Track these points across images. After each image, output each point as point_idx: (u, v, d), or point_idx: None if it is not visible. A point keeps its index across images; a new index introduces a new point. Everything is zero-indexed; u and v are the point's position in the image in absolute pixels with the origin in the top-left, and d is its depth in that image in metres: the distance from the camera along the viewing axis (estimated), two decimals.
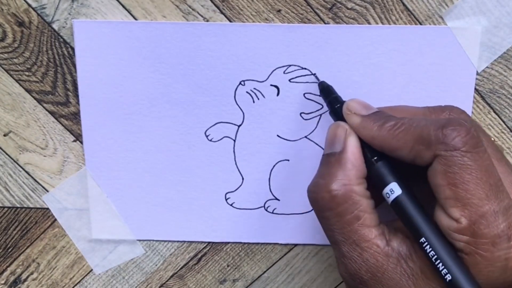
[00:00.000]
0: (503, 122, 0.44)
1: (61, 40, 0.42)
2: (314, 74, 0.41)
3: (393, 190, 0.32)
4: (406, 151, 0.31)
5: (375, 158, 0.33)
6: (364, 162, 0.33)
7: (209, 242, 0.47)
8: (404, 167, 0.32)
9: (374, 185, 0.33)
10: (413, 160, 0.31)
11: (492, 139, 0.33)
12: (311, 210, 0.45)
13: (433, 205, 0.31)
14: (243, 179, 0.45)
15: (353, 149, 0.33)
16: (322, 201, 0.32)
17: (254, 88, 0.42)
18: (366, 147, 0.33)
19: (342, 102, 0.36)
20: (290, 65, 0.42)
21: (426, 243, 0.30)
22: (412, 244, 0.32)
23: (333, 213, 0.32)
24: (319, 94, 0.42)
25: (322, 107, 0.43)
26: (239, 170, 0.45)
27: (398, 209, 0.32)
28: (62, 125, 0.44)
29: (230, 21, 0.41)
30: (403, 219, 0.32)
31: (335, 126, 0.34)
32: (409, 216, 0.31)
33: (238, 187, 0.45)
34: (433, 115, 0.34)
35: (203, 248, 0.47)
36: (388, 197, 0.32)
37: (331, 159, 0.33)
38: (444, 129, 0.30)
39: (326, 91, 0.39)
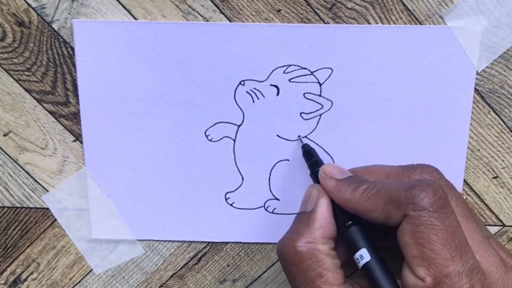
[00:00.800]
0: (503, 122, 0.44)
1: (61, 40, 0.42)
2: (299, 137, 0.43)
3: (363, 256, 0.33)
4: (377, 213, 0.33)
5: (349, 223, 0.35)
6: (336, 225, 0.35)
7: (209, 242, 0.47)
8: (377, 227, 0.34)
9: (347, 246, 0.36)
10: (384, 221, 0.33)
11: (464, 196, 0.35)
12: None
13: (401, 264, 0.33)
14: (243, 179, 0.45)
15: (322, 210, 0.35)
16: (288, 256, 0.34)
17: (254, 88, 0.42)
18: (340, 211, 0.35)
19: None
20: (290, 65, 0.42)
21: None
22: None
23: (297, 268, 0.34)
24: (319, 95, 0.43)
25: (322, 107, 0.43)
26: (239, 170, 0.45)
27: (367, 274, 0.33)
28: (62, 125, 0.44)
29: (230, 21, 0.41)
30: (372, 284, 0.33)
31: (311, 187, 0.37)
32: (376, 281, 0.33)
33: (238, 187, 0.45)
34: (405, 175, 0.35)
35: (203, 248, 0.47)
36: (358, 262, 0.34)
37: (301, 218, 0.36)
38: (413, 190, 0.31)
39: (308, 154, 0.41)
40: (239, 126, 0.43)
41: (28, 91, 0.44)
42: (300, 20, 0.41)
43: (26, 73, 0.43)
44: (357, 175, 0.36)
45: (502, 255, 0.34)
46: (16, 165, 0.45)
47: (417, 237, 0.30)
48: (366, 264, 0.33)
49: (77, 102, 0.43)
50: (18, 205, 0.47)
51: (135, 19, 0.42)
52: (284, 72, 0.42)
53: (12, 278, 0.48)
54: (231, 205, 0.46)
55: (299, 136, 0.43)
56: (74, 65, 0.43)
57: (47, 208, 0.46)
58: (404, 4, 0.41)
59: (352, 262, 0.35)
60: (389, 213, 0.32)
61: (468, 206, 0.36)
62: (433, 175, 0.35)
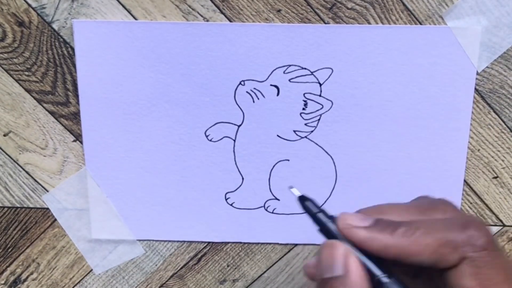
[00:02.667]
0: (503, 122, 0.43)
1: (61, 40, 0.42)
2: (290, 188, 0.37)
3: None
4: (426, 256, 0.30)
5: (386, 275, 0.31)
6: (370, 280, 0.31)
7: (209, 242, 0.47)
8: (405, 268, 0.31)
9: None
10: (433, 263, 0.30)
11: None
12: None
13: None
14: (243, 179, 0.45)
15: (356, 272, 0.31)
16: None
17: (254, 88, 0.42)
18: (372, 263, 0.31)
19: (330, 217, 0.33)
20: (290, 65, 0.42)
21: None
22: None
23: None
24: (319, 95, 0.42)
25: (322, 107, 0.43)
26: (239, 170, 0.45)
27: None
28: (62, 125, 0.44)
29: (230, 21, 0.41)
30: None
31: (329, 247, 0.31)
32: None
33: (238, 187, 0.45)
34: (426, 216, 0.32)
35: (203, 248, 0.47)
36: None
37: (334, 284, 0.31)
38: (468, 230, 0.30)
39: (310, 206, 0.34)
40: (239, 126, 0.43)
41: (28, 91, 0.43)
42: (300, 20, 0.41)
43: (26, 73, 0.43)
44: (377, 217, 0.32)
45: None
46: (16, 165, 0.45)
47: (480, 278, 0.29)
48: None
49: (77, 102, 0.43)
50: (18, 205, 0.47)
51: (135, 19, 0.42)
52: (284, 72, 0.42)
53: (12, 278, 0.48)
54: (231, 205, 0.45)
55: (289, 187, 0.37)
56: (74, 65, 0.43)
57: (47, 208, 0.46)
58: (404, 4, 0.41)
59: None
60: (443, 255, 0.30)
61: None
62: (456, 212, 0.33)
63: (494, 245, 0.30)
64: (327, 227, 0.33)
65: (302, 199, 0.35)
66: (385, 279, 0.31)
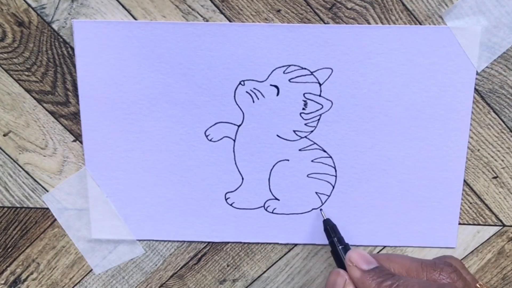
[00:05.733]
0: (503, 122, 0.44)
1: (61, 40, 0.42)
2: (320, 210, 0.45)
3: None
4: None
5: None
6: None
7: (209, 242, 0.47)
8: None
9: None
10: None
11: (478, 285, 0.38)
12: (311, 210, 0.45)
13: None
14: (243, 179, 0.45)
15: None
16: None
17: (254, 88, 0.42)
18: None
19: (344, 244, 0.41)
20: (290, 65, 0.42)
21: None
22: None
23: None
24: (319, 95, 0.43)
25: (322, 107, 0.43)
26: (239, 170, 0.45)
27: None
28: (62, 125, 0.44)
29: (230, 21, 0.41)
30: None
31: (336, 274, 0.38)
32: None
33: (238, 187, 0.45)
34: (425, 273, 0.37)
35: (203, 248, 0.47)
36: None
37: None
38: None
39: (331, 230, 0.42)
40: (239, 126, 0.43)
41: (28, 91, 0.43)
42: (300, 20, 0.41)
43: (26, 73, 0.43)
44: (381, 265, 0.37)
45: None
46: (16, 165, 0.45)
47: None
48: None
49: (77, 102, 0.43)
50: (18, 205, 0.47)
51: (135, 19, 0.42)
52: (284, 72, 0.42)
53: (12, 278, 0.48)
54: (231, 205, 0.46)
55: (320, 209, 0.45)
56: (74, 65, 0.43)
57: (47, 208, 0.46)
58: (404, 4, 0.41)
59: None
60: None
61: None
62: (452, 276, 0.36)
63: None
64: (337, 252, 0.40)
65: (327, 223, 0.43)
66: None
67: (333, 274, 0.38)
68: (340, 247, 0.40)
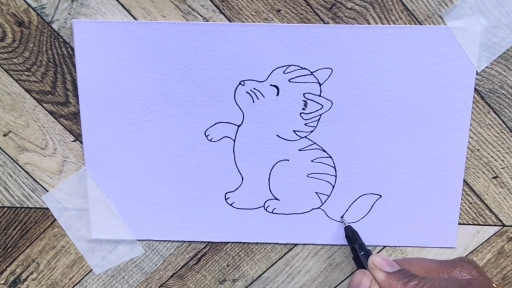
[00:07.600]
0: (503, 122, 0.44)
1: (61, 40, 0.42)
2: (342, 217, 0.46)
3: None
4: None
5: None
6: None
7: (209, 242, 0.47)
8: None
9: None
10: None
11: (494, 284, 0.39)
12: (311, 210, 0.45)
13: None
14: (243, 179, 0.45)
15: None
16: None
17: (254, 88, 0.42)
18: None
19: (366, 250, 0.42)
20: (290, 65, 0.42)
21: None
22: None
23: None
24: (319, 95, 0.43)
25: (322, 107, 0.43)
26: (239, 170, 0.45)
27: None
28: (62, 125, 0.44)
29: (230, 21, 0.41)
30: None
31: (361, 274, 0.39)
32: None
33: (238, 187, 0.45)
34: (445, 271, 0.37)
35: (203, 248, 0.47)
36: None
37: None
38: None
39: (352, 237, 0.44)
40: (239, 126, 0.43)
41: (28, 91, 0.43)
42: (300, 20, 0.41)
43: (26, 73, 0.43)
44: (403, 268, 0.38)
45: None
46: (16, 165, 0.45)
47: None
48: None
49: (77, 102, 0.43)
50: (18, 205, 0.47)
51: (135, 19, 0.42)
52: (284, 72, 0.42)
53: (12, 278, 0.48)
54: (231, 205, 0.46)
55: (342, 216, 0.45)
56: (74, 65, 0.43)
57: (47, 208, 0.46)
58: (404, 4, 0.41)
59: None
60: None
61: None
62: (472, 273, 0.37)
63: None
64: (359, 257, 0.41)
65: (348, 230, 0.44)
66: None
67: (358, 274, 0.39)
68: (362, 253, 0.41)
